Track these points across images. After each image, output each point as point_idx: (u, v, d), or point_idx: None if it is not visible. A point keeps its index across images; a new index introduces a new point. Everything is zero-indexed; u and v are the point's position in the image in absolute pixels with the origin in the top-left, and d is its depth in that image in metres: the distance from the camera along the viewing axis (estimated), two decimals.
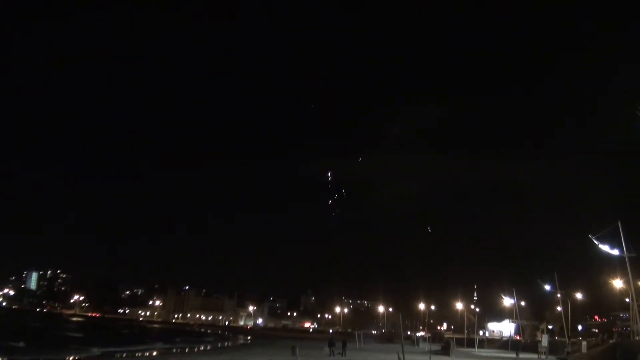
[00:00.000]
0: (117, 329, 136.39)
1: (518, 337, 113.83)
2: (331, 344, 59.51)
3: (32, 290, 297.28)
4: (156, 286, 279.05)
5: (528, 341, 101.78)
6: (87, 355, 61.29)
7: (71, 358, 57.08)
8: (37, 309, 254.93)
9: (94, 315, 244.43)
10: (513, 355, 76.50)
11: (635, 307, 65.71)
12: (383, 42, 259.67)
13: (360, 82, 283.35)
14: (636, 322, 66.10)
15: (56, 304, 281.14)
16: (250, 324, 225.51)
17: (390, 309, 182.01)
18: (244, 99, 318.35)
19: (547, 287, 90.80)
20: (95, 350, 65.50)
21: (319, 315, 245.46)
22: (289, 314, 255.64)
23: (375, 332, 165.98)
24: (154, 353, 68.40)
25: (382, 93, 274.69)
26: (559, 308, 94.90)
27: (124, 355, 64.30)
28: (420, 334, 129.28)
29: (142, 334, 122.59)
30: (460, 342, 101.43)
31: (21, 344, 67.23)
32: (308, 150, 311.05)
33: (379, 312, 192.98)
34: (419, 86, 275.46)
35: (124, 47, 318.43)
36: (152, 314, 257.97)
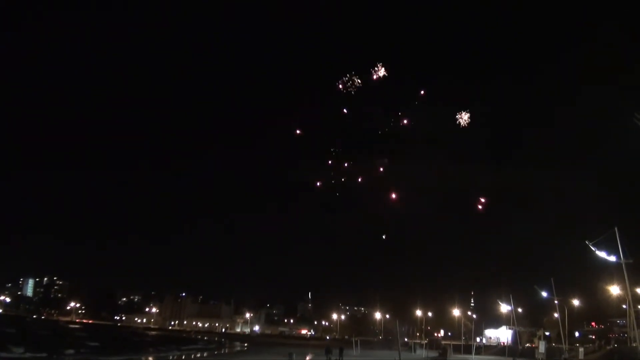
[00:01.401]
0: (129, 337, 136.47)
1: (503, 344, 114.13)
2: (328, 351, 59.47)
3: (28, 297, 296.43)
4: (153, 293, 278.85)
5: (525, 347, 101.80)
6: None
7: None
8: (34, 316, 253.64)
9: (103, 322, 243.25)
10: None
11: (633, 314, 65.75)
12: (382, 39, 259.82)
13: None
14: (633, 329, 66.11)
15: (53, 311, 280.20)
16: (247, 330, 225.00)
17: (387, 316, 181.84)
18: (241, 98, 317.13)
19: (544, 294, 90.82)
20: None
21: (316, 322, 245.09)
22: (286, 320, 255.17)
23: (372, 338, 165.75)
24: (150, 359, 68.23)
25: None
26: (556, 314, 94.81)
27: None
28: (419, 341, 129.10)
29: (155, 341, 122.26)
30: (457, 349, 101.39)
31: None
32: (305, 154, 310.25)
33: (376, 319, 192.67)
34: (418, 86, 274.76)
35: (120, 46, 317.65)
36: (148, 321, 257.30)
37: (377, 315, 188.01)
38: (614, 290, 72.67)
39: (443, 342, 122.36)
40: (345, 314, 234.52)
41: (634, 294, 66.09)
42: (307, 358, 67.76)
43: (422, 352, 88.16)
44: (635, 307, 66.61)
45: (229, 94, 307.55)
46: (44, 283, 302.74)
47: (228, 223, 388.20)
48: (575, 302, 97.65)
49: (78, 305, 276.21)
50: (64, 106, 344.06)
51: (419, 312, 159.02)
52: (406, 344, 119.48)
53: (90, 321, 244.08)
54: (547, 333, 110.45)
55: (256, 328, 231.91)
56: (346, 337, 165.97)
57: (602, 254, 57.35)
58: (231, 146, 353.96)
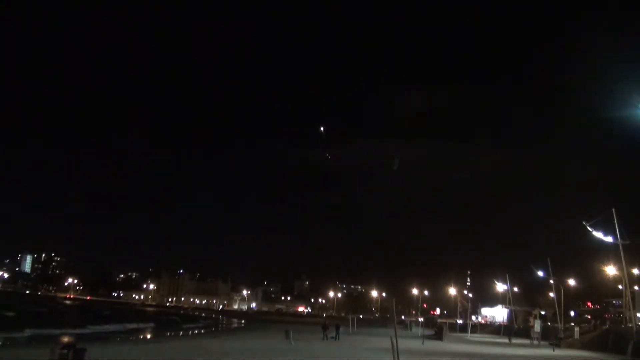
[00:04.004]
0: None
1: (481, 321, 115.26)
2: (325, 328, 59.63)
3: (26, 273, 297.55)
4: (150, 270, 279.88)
5: (521, 326, 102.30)
6: None
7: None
8: (39, 293, 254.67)
9: (101, 298, 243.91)
10: (505, 340, 76.88)
11: (629, 294, 66.02)
12: (381, 27, 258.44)
13: (359, 67, 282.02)
14: (629, 309, 66.39)
15: (51, 287, 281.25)
16: (244, 307, 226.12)
17: (384, 294, 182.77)
18: (243, 84, 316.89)
19: (540, 273, 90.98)
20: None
21: (312, 300, 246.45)
22: (283, 298, 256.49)
23: (369, 316, 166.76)
24: (148, 336, 68.31)
25: (378, 80, 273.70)
26: (551, 294, 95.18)
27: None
28: (415, 319, 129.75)
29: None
30: (453, 327, 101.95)
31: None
32: (303, 137, 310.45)
33: (373, 297, 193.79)
34: (414, 74, 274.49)
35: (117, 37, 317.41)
36: (146, 298, 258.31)
37: (374, 294, 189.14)
38: (610, 270, 72.87)
39: (439, 321, 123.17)
40: (341, 292, 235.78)
41: (630, 275, 66.29)
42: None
43: (418, 330, 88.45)
44: (631, 287, 66.84)
45: (230, 81, 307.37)
46: (42, 259, 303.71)
47: (227, 202, 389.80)
48: (572, 282, 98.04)
49: (76, 281, 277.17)
50: (67, 91, 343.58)
51: (415, 291, 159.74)
52: (402, 321, 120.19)
53: (88, 297, 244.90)
54: (542, 312, 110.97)
55: (253, 305, 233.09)
56: (343, 314, 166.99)
57: (599, 235, 57.28)
58: (230, 130, 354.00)
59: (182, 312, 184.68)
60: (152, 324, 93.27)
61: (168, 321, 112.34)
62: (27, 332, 58.23)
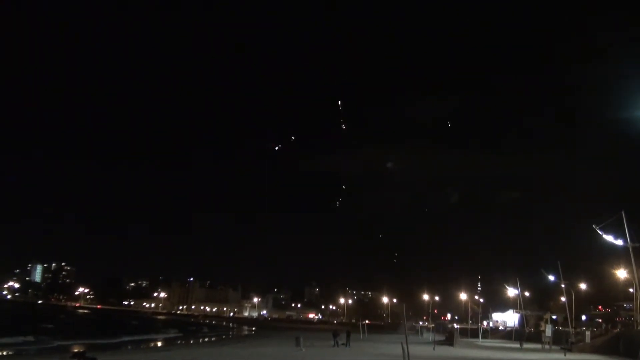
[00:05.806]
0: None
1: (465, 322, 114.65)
2: (335, 335, 59.67)
3: (36, 283, 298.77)
4: (160, 278, 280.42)
5: (532, 331, 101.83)
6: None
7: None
8: (57, 303, 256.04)
9: (112, 307, 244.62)
10: (517, 345, 76.60)
11: (639, 298, 65.62)
12: (382, 33, 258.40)
13: (365, 75, 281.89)
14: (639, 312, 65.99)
15: (61, 297, 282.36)
16: (254, 315, 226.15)
17: (394, 300, 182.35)
18: (247, 92, 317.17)
19: (551, 277, 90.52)
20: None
21: (323, 306, 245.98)
22: (293, 305, 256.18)
23: (379, 322, 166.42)
24: (159, 344, 68.52)
25: (386, 87, 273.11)
26: (562, 298, 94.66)
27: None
28: (424, 323, 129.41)
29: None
30: (464, 332, 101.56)
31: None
32: (312, 143, 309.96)
33: (383, 303, 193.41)
34: (422, 80, 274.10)
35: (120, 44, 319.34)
36: (156, 306, 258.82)
37: (385, 300, 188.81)
38: (621, 274, 72.50)
39: (450, 326, 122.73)
40: (352, 298, 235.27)
41: None
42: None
43: (429, 336, 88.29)
44: None
45: (236, 91, 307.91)
46: (52, 269, 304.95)
47: (236, 211, 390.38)
48: (582, 286, 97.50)
49: (86, 290, 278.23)
50: (75, 101, 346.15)
51: (426, 296, 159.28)
52: (413, 327, 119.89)
53: (98, 306, 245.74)
54: (554, 317, 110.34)
55: (264, 312, 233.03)
56: (353, 321, 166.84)
57: (609, 238, 57.10)
58: (237, 136, 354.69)
59: (192, 319, 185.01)
60: (180, 334, 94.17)
61: (197, 330, 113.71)
62: (56, 343, 58.84)
